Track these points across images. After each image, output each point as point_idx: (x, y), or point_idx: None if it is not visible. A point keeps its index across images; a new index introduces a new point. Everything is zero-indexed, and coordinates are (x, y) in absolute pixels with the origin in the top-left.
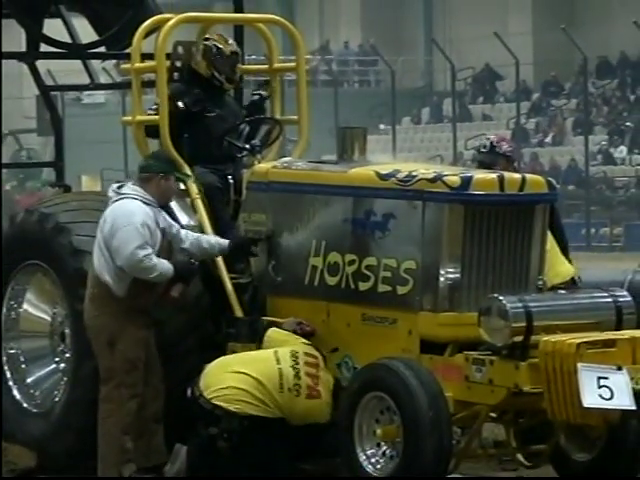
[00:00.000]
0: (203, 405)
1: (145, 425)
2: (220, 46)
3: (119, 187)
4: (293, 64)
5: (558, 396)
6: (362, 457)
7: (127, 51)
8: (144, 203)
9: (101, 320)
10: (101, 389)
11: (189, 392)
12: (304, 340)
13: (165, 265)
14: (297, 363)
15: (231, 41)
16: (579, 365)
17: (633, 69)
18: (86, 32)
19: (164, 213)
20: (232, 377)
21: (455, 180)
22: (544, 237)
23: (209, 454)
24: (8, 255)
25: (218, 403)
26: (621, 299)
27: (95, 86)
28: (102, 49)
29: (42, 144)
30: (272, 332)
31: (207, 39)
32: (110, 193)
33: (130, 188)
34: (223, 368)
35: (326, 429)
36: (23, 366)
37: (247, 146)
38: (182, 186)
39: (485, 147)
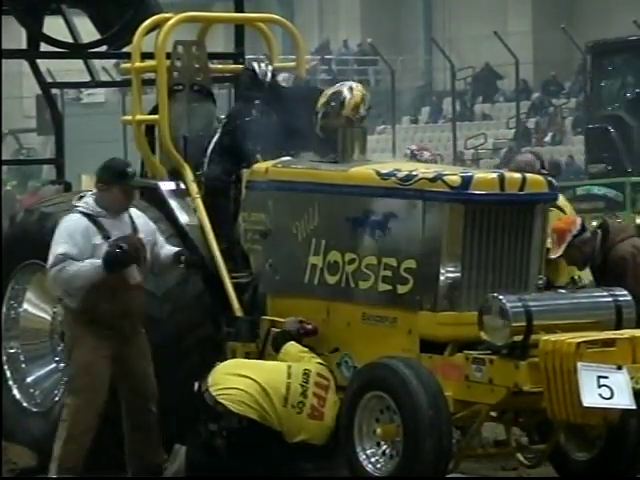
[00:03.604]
0: (207, 400)
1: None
2: (346, 98)
3: (79, 198)
4: (293, 64)
5: (558, 395)
6: (362, 456)
7: (127, 50)
8: (85, 215)
9: (64, 329)
10: None
11: (196, 386)
12: (319, 360)
13: (86, 266)
14: (307, 382)
15: (362, 109)
16: (579, 364)
17: None
18: (88, 30)
19: (125, 222)
20: (239, 380)
21: (455, 179)
22: (544, 236)
23: (208, 453)
24: (8, 255)
25: (221, 401)
26: (621, 298)
27: (96, 83)
28: (103, 48)
29: (42, 143)
30: (290, 346)
31: (356, 82)
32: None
33: (83, 200)
34: (233, 369)
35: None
36: (23, 365)
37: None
38: (182, 185)
39: (407, 155)
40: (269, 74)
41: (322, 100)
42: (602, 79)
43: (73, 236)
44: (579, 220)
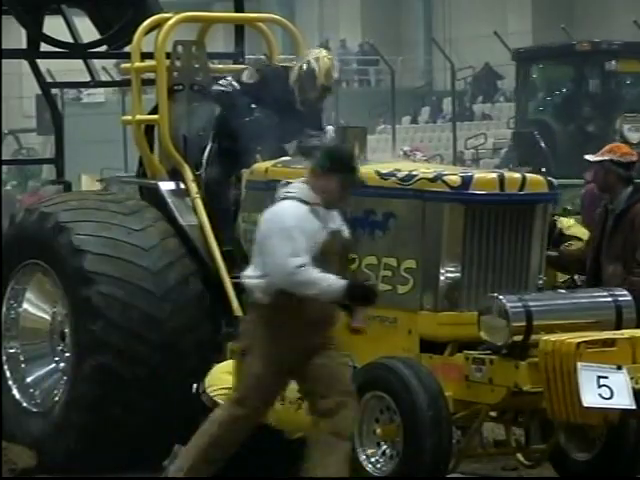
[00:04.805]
0: (205, 401)
1: None
2: (316, 69)
3: (285, 184)
4: (293, 63)
5: (558, 395)
6: (362, 457)
7: (127, 50)
8: (303, 202)
9: (243, 326)
10: None
11: (194, 388)
12: None
13: (329, 281)
14: None
15: (336, 73)
16: (579, 364)
17: None
18: (88, 30)
19: (336, 215)
20: None
21: (455, 179)
22: (544, 236)
23: None
24: (8, 255)
25: (219, 401)
26: (621, 298)
27: (96, 83)
28: (103, 48)
29: (42, 143)
30: None
31: (325, 47)
32: (277, 193)
33: (294, 186)
34: (229, 369)
35: None
36: (23, 365)
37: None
38: (182, 185)
39: (399, 156)
40: (234, 83)
41: (293, 77)
42: (528, 85)
43: (300, 225)
44: (634, 159)
